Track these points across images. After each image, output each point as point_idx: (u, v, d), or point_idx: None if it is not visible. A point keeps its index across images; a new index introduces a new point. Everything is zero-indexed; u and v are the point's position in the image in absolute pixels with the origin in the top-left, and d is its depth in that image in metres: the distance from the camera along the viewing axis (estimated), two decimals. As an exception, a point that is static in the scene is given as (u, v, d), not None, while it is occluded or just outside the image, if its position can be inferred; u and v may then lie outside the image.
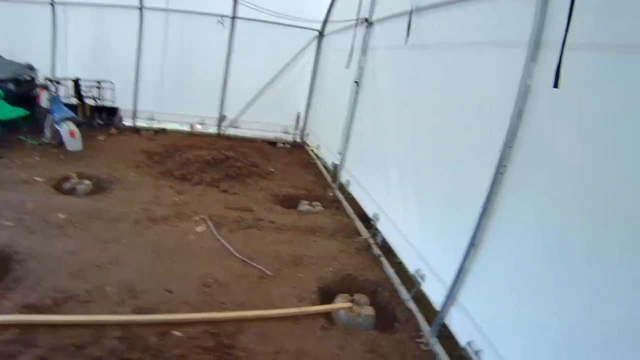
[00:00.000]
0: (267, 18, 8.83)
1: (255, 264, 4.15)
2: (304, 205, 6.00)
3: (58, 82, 8.37)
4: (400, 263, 4.43)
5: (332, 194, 6.63)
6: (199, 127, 10.28)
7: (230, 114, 9.84)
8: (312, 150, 9.30)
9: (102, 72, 9.11)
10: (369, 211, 5.38)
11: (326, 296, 3.94)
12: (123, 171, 6.51)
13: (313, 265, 4.34)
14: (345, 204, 6.21)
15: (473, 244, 3.11)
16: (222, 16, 8.90)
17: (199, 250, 4.33)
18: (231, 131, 9.99)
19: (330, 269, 4.33)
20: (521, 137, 2.80)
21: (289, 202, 6.23)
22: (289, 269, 4.20)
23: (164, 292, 3.56)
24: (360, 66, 6.16)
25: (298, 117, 9.96)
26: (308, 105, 10.02)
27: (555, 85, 2.29)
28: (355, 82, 6.23)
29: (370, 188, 5.52)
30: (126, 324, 3.08)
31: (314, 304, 3.70)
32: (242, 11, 8.99)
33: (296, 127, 10.09)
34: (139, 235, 4.50)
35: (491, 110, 3.20)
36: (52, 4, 9.00)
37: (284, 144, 9.92)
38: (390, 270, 4.44)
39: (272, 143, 9.90)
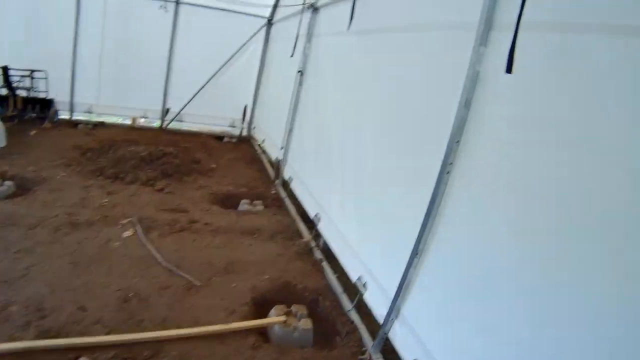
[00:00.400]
0: (213, 4, 8.45)
1: (182, 273, 3.84)
2: (244, 205, 5.70)
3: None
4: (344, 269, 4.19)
5: (274, 192, 6.35)
6: (142, 121, 9.79)
7: (174, 107, 9.36)
8: (259, 145, 8.97)
9: (38, 61, 8.49)
10: (311, 211, 5.13)
11: (261, 308, 3.66)
12: (51, 170, 6.04)
13: (247, 272, 4.06)
14: (288, 202, 5.93)
15: (416, 252, 2.85)
16: (165, 0, 8.41)
17: (122, 259, 3.98)
18: (176, 125, 9.53)
19: (267, 276, 4.05)
20: (470, 130, 2.55)
21: (229, 202, 5.92)
22: (221, 278, 3.90)
23: (76, 310, 3.20)
24: (304, 54, 5.90)
25: (245, 110, 9.59)
26: (255, 98, 9.66)
27: (509, 71, 2.07)
28: (299, 71, 5.95)
29: (312, 185, 5.28)
30: (26, 351, 2.75)
31: (245, 318, 3.41)
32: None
33: (243, 121, 9.72)
34: (56, 243, 4.10)
35: (438, 101, 2.95)
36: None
37: (230, 138, 9.55)
38: (332, 277, 4.17)
39: (219, 137, 9.52)
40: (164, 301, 3.47)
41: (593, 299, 1.73)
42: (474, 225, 2.47)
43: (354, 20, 4.20)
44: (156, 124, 9.52)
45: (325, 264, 4.38)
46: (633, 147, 1.65)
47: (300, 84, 5.98)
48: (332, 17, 5.26)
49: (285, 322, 3.32)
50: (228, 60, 9.18)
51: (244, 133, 9.81)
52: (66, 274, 3.65)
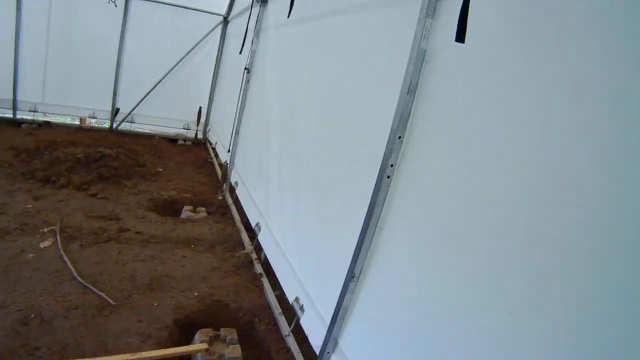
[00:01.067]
0: (167, 0, 8.03)
1: (95, 290, 3.41)
2: (185, 212, 5.29)
3: None
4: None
5: (221, 198, 5.96)
6: (92, 122, 9.30)
7: (126, 107, 8.86)
8: (212, 148, 8.55)
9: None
10: (252, 219, 4.74)
11: (185, 332, 3.25)
12: (-23, 172, 5.58)
13: (174, 288, 3.64)
14: (233, 209, 5.53)
15: (353, 275, 2.44)
16: (115, -6, 7.93)
17: (33, 274, 3.54)
18: (127, 127, 9.07)
19: (196, 293, 3.63)
20: (415, 123, 2.14)
21: (170, 208, 5.50)
22: (141, 295, 3.48)
23: (-37, 335, 2.80)
24: (252, 50, 5.54)
25: (200, 111, 9.16)
26: (211, 99, 9.27)
27: (460, 39, 1.67)
28: (246, 69, 5.59)
29: (254, 191, 4.90)
30: None
31: (161, 345, 2.97)
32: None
33: (198, 123, 9.28)
34: (-40, 255, 3.68)
35: (380, 89, 2.52)
36: None
37: (185, 140, 9.11)
38: (271, 296, 3.75)
39: (173, 140, 9.08)
40: (69, 324, 3.04)
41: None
42: (423, 242, 2.02)
43: (295, 6, 3.77)
44: (107, 125, 9.04)
45: (264, 280, 3.97)
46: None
47: (248, 81, 5.61)
48: (279, 8, 4.91)
49: (207, 350, 2.88)
50: (181, 60, 8.74)
51: (200, 136, 9.37)
52: (-39, 291, 3.23)
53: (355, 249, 2.42)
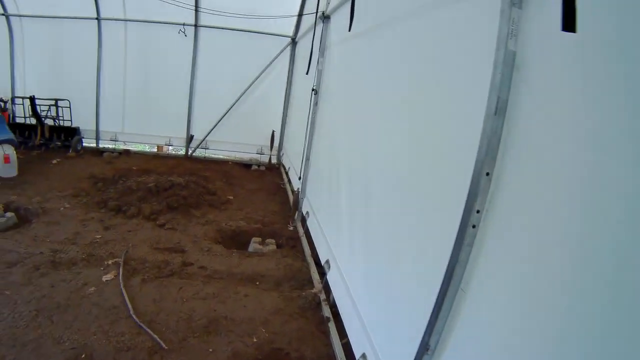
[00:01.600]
0: (233, 25, 8.02)
1: (149, 331, 3.15)
2: (253, 244, 5.00)
3: (4, 102, 7.79)
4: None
5: (292, 228, 5.64)
6: (169, 149, 9.47)
7: (200, 133, 8.95)
8: (286, 173, 8.32)
9: (62, 90, 8.43)
10: (322, 255, 4.30)
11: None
12: (56, 201, 5.68)
13: (232, 332, 3.29)
14: (304, 241, 5.16)
15: (427, 347, 1.89)
16: (183, 25, 8.05)
17: (91, 309, 3.37)
18: (202, 152, 9.11)
19: (255, 339, 3.26)
20: (506, 153, 1.59)
21: (237, 240, 5.24)
22: (196, 339, 3.16)
23: (11, 378, 2.62)
24: (318, 70, 5.21)
25: (273, 135, 9.00)
26: (283, 122, 9.09)
27: (569, 27, 1.21)
28: (313, 90, 5.27)
29: (325, 224, 4.48)
30: None
31: None
32: (205, 19, 8.14)
33: (271, 147, 9.11)
34: (29, 285, 3.62)
35: (458, 109, 1.97)
36: (5, 16, 8.32)
37: (258, 166, 8.99)
38: (337, 346, 3.20)
39: (247, 165, 8.99)
40: (119, 369, 2.81)
41: None
42: (519, 309, 1.46)
43: (356, 19, 3.41)
44: (182, 151, 9.14)
45: (331, 325, 3.47)
46: None
47: (316, 103, 5.29)
48: (340, 22, 4.56)
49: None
50: (251, 84, 8.70)
51: (273, 160, 9.21)
52: (23, 324, 3.13)
53: (432, 314, 1.88)
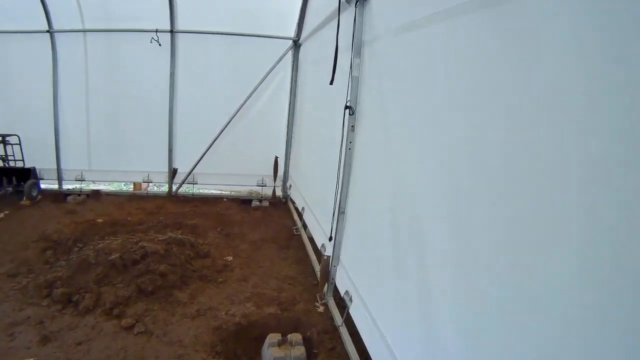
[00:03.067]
0: (218, 29, 6.33)
1: None
2: (270, 350, 3.16)
3: None
4: None
5: (321, 309, 3.83)
6: (149, 186, 7.70)
7: (185, 166, 7.16)
8: (295, 208, 6.54)
9: (11, 122, 6.68)
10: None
11: None
12: (-16, 286, 3.94)
13: None
14: (345, 336, 3.35)
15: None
16: (156, 31, 6.30)
17: None
18: (189, 189, 7.33)
19: None
20: None
21: (245, 339, 3.41)
22: None
23: None
24: (352, 78, 3.46)
25: (276, 162, 7.17)
26: (288, 145, 7.28)
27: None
28: (348, 107, 3.47)
29: (380, 318, 2.75)
30: None
31: None
32: (183, 22, 6.47)
33: (275, 177, 7.27)
34: None
35: None
36: None
37: (260, 201, 7.21)
38: None
39: (247, 201, 7.22)
40: None
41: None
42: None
43: None
44: (165, 188, 7.37)
45: None
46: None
47: (352, 128, 3.54)
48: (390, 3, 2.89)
49: None
50: (245, 102, 6.88)
51: (278, 192, 7.43)
52: None
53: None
